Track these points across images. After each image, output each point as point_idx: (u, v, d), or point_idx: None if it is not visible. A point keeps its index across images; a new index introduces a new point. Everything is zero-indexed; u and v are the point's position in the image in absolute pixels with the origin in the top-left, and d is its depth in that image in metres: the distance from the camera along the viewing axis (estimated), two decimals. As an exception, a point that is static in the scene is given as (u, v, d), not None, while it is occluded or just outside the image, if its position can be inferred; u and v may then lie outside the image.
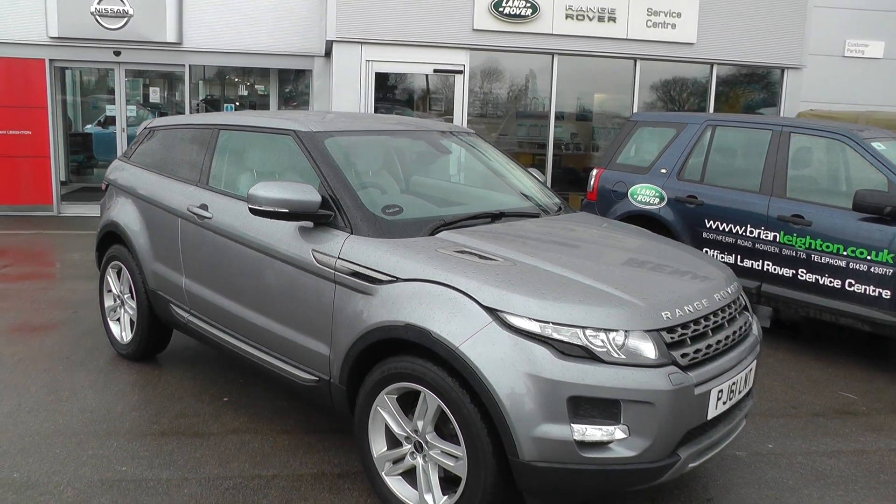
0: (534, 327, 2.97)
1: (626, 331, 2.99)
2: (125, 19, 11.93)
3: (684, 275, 3.63)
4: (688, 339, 3.17)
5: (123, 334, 5.50)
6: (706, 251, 6.71)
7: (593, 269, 3.37)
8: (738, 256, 6.54)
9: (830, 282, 5.96)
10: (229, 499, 3.62)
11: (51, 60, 12.19)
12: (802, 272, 6.12)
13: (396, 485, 3.46)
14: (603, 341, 2.96)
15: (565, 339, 2.95)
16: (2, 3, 11.81)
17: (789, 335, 6.78)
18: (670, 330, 3.10)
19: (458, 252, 3.41)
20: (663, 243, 4.17)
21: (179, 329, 4.99)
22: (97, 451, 4.06)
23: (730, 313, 3.54)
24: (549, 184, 11.77)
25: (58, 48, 12.10)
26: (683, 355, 3.10)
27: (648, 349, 3.00)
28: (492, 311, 3.04)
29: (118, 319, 5.58)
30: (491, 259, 3.34)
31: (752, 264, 6.44)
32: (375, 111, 11.42)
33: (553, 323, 2.96)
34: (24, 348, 5.70)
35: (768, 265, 6.34)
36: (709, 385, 3.15)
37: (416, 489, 3.37)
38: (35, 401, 4.72)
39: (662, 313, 3.11)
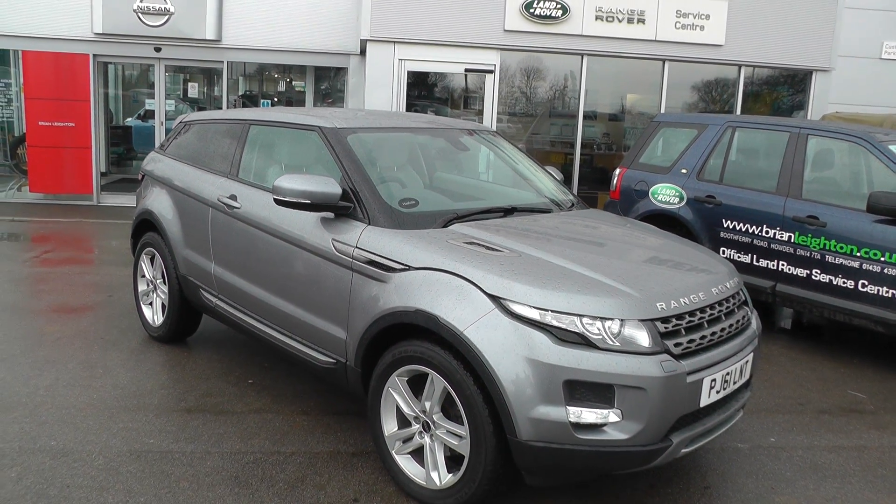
0: (534, 314, 3.15)
1: (621, 319, 3.16)
2: (166, 17, 12.28)
3: (683, 269, 3.79)
4: (682, 330, 3.33)
5: (155, 317, 5.77)
6: (723, 251, 6.82)
7: (594, 262, 3.54)
8: (754, 256, 6.64)
9: (844, 282, 6.05)
10: (249, 472, 3.86)
11: (95, 55, 12.58)
12: (817, 272, 6.21)
13: (406, 463, 3.67)
14: (599, 329, 3.14)
15: (563, 326, 3.13)
16: (49, 1, 12.22)
17: (808, 336, 6.86)
18: (664, 320, 3.26)
19: (467, 243, 3.60)
20: (667, 239, 4.32)
21: (208, 313, 5.25)
22: (127, 424, 4.33)
23: (727, 307, 3.68)
24: (576, 183, 11.97)
25: (101, 44, 12.49)
26: (677, 344, 3.26)
27: (642, 337, 3.17)
28: (495, 299, 3.23)
29: (150, 303, 5.86)
30: (497, 250, 3.53)
31: (768, 264, 6.54)
32: (410, 109, 11.64)
33: (552, 311, 3.15)
34: (62, 327, 6.01)
35: (783, 265, 6.44)
36: (701, 374, 3.31)
37: (424, 467, 3.58)
38: (72, 376, 5.01)
39: (657, 304, 3.27)
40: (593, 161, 12.55)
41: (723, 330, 3.57)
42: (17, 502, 3.48)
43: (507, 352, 3.12)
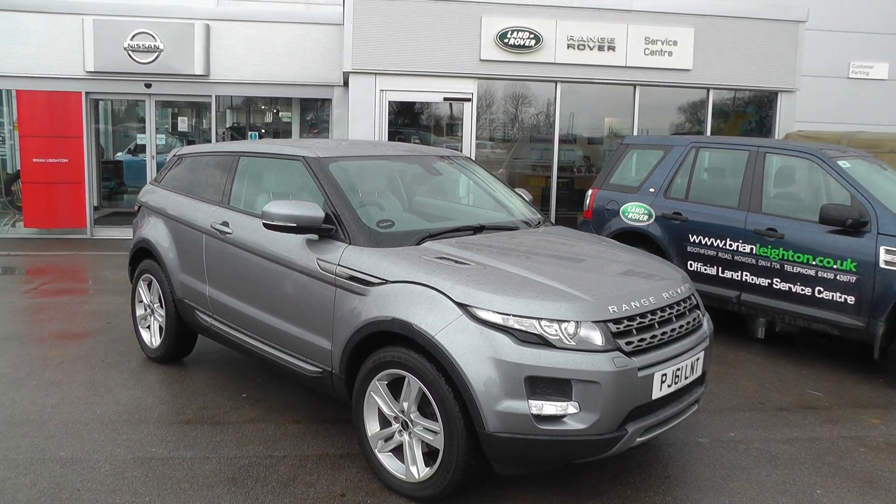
0: (497, 319, 3.53)
1: (576, 321, 3.54)
2: (156, 53, 12.70)
3: (636, 276, 4.18)
4: (633, 330, 3.70)
5: (153, 340, 6.11)
6: (690, 264, 7.22)
7: (552, 272, 3.93)
8: (719, 268, 7.03)
9: (802, 290, 6.44)
10: (245, 473, 4.19)
11: (87, 93, 12.98)
12: (777, 281, 6.60)
13: (387, 460, 4.02)
14: (556, 330, 3.51)
15: (524, 328, 3.51)
16: (43, 41, 12.64)
17: (780, 344, 7.23)
18: (616, 321, 3.64)
19: (437, 258, 3.99)
20: (624, 251, 4.72)
21: (203, 333, 5.60)
22: (130, 436, 4.66)
23: (678, 310, 4.06)
24: (554, 204, 12.38)
25: (93, 81, 12.89)
26: (628, 343, 3.64)
27: (596, 337, 3.54)
28: (462, 306, 3.61)
29: (148, 327, 6.19)
30: (465, 263, 3.91)
31: (732, 275, 6.94)
32: (394, 137, 12.07)
33: (513, 315, 3.52)
34: (65, 352, 6.34)
35: (746, 275, 6.83)
36: (652, 369, 3.68)
37: (404, 463, 3.92)
38: (76, 395, 5.34)
39: (610, 307, 3.65)
40: (573, 183, 12.97)
41: (673, 330, 3.94)
42: (32, 506, 3.81)
43: (473, 353, 3.49)
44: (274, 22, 13.10)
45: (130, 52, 12.63)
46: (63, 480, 4.06)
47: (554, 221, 10.23)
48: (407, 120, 12.61)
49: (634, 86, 12.42)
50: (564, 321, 3.53)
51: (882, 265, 5.94)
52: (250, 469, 4.25)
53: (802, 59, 12.70)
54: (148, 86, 13.07)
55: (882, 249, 5.95)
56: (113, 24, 12.57)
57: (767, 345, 7.17)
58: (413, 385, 3.76)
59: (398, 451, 3.99)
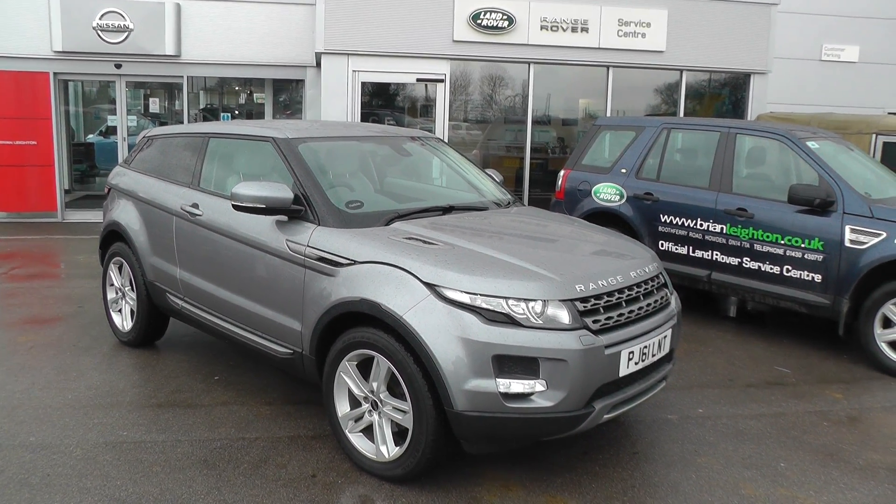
0: (464, 298, 3.55)
1: (543, 300, 3.57)
2: (126, 33, 12.53)
3: (603, 255, 4.22)
4: (600, 308, 3.74)
5: (125, 323, 6.08)
6: (661, 244, 7.29)
7: (520, 251, 3.96)
8: (690, 248, 7.10)
9: (771, 268, 6.53)
10: (216, 456, 4.20)
11: (55, 74, 12.80)
12: (747, 260, 6.69)
13: (358, 440, 4.04)
14: (523, 309, 3.54)
15: (491, 307, 3.53)
16: (8, 21, 12.42)
17: (751, 322, 7.32)
18: (583, 300, 3.67)
19: (406, 239, 4.00)
20: (593, 230, 4.76)
21: (175, 316, 5.58)
22: (102, 420, 4.65)
23: (646, 288, 4.10)
24: (527, 185, 12.42)
25: (61, 62, 12.71)
26: (595, 321, 3.67)
27: (563, 316, 3.58)
28: (430, 286, 3.62)
29: (120, 310, 6.16)
30: (433, 243, 3.92)
31: (703, 254, 7.02)
32: (368, 119, 12.02)
33: (481, 294, 3.55)
34: (35, 337, 6.29)
35: (717, 255, 6.91)
36: (619, 347, 3.72)
37: (374, 443, 3.95)
38: (47, 380, 5.31)
39: (576, 286, 3.68)
40: (547, 165, 13.01)
41: (640, 308, 3.98)
42: (1, 492, 3.79)
43: (441, 332, 3.51)
44: (246, 2, 12.95)
45: (99, 32, 12.45)
46: (33, 466, 4.04)
47: (527, 202, 10.27)
48: (381, 101, 12.57)
49: (608, 67, 12.45)
50: (531, 300, 3.56)
51: (847, 244, 6.03)
52: (222, 451, 4.26)
53: (775, 42, 12.80)
54: (118, 66, 12.90)
55: (847, 228, 6.04)
56: (80, 2, 12.36)
57: (739, 323, 7.26)
58: (382, 365, 3.78)
59: (368, 431, 4.01)
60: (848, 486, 4.06)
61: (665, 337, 4.14)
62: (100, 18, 12.42)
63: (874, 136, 10.11)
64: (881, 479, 4.17)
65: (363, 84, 11.85)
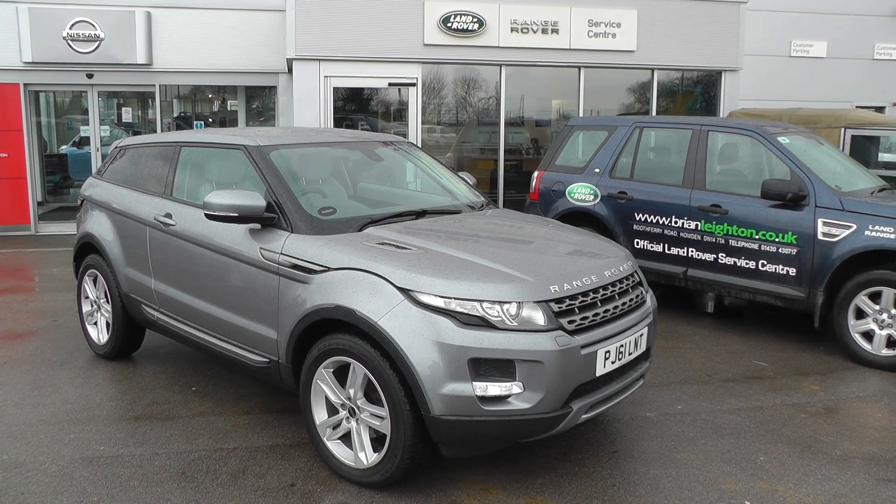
0: (439, 302, 3.54)
1: (518, 302, 3.57)
2: (97, 43, 12.43)
3: (577, 255, 4.23)
4: (576, 308, 3.75)
5: (100, 336, 6.02)
6: (637, 242, 7.32)
7: (493, 254, 3.95)
8: (666, 245, 7.14)
9: (746, 263, 6.58)
10: (195, 467, 4.16)
11: (25, 84, 12.67)
12: (722, 256, 6.73)
13: (336, 448, 4.02)
14: (498, 312, 3.53)
15: (466, 311, 3.53)
16: (-25, 32, 12.29)
17: (729, 317, 7.38)
18: (558, 301, 3.68)
19: (379, 244, 3.98)
20: (566, 231, 4.77)
21: (151, 327, 5.53)
22: (78, 435, 4.59)
23: (621, 287, 4.11)
24: (501, 187, 12.43)
25: (32, 72, 12.58)
26: (570, 322, 3.68)
27: (538, 317, 3.58)
28: (404, 291, 3.61)
29: (95, 323, 6.10)
30: (406, 248, 3.91)
31: (678, 251, 7.06)
32: (341, 124, 11.98)
33: (455, 298, 3.54)
34: (8, 352, 6.21)
35: (692, 251, 6.95)
36: (595, 347, 3.73)
37: (352, 450, 3.93)
38: (20, 396, 5.24)
39: (551, 287, 3.68)
40: (521, 166, 13.04)
41: (616, 307, 3.99)
42: (-25, 510, 3.74)
43: (416, 337, 3.50)
44: (216, 9, 12.88)
45: (70, 42, 12.34)
46: (5, 485, 3.97)
47: (502, 204, 10.28)
48: (354, 106, 12.53)
49: (579, 68, 12.50)
50: (506, 302, 3.56)
51: (820, 237, 6.09)
52: (200, 463, 4.22)
53: (745, 39, 12.91)
54: (90, 76, 12.79)
55: (820, 222, 6.10)
56: (50, 12, 12.26)
57: (716, 319, 7.31)
58: (358, 371, 3.76)
59: (346, 439, 3.99)
60: (826, 477, 4.10)
61: (641, 335, 4.15)
62: (70, 28, 12.31)
63: (843, 129, 10.24)
64: (857, 468, 4.21)
65: (335, 89, 11.81)
